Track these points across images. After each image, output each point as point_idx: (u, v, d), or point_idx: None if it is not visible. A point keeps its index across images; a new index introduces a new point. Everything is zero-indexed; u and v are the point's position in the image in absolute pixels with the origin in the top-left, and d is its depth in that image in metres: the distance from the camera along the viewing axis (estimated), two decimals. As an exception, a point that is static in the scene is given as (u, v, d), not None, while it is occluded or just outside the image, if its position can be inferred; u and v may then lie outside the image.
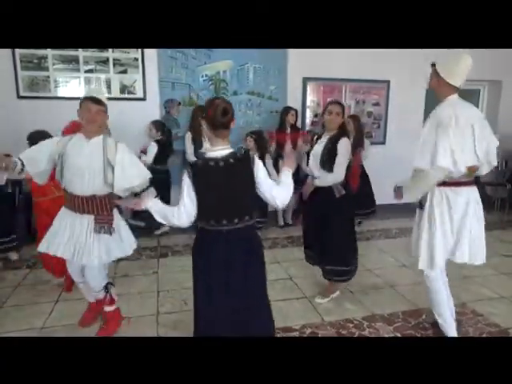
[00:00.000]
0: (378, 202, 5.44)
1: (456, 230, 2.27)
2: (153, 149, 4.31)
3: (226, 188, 1.77)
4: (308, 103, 5.32)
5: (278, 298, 3.06)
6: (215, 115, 1.74)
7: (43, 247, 2.36)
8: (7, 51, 4.17)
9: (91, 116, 2.27)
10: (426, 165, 2.16)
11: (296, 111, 4.76)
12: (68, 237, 2.31)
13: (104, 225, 2.31)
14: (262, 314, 2.00)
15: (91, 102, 2.30)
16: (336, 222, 2.82)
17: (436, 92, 2.35)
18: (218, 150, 1.80)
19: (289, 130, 4.68)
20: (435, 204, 2.29)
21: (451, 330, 2.41)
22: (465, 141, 2.17)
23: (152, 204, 1.89)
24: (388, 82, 5.47)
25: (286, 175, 1.94)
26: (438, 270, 2.34)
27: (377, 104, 5.57)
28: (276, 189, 1.86)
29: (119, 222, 2.44)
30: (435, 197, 2.30)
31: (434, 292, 2.41)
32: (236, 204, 1.81)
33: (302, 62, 5.01)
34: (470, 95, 6.06)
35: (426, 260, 2.33)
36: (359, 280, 3.39)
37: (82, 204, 2.28)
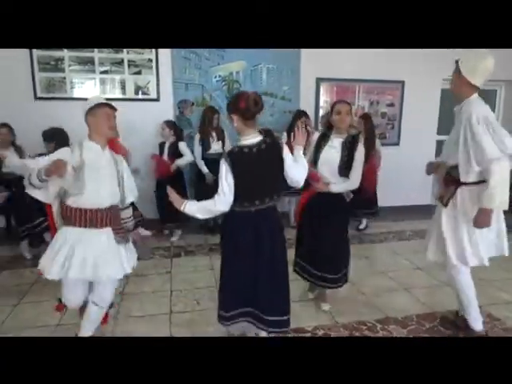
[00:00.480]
0: (391, 204, 5.41)
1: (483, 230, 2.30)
2: (185, 146, 4.33)
3: (260, 171, 2.01)
4: (321, 103, 5.30)
5: (291, 300, 3.05)
6: (248, 106, 1.95)
7: (54, 274, 2.06)
8: (25, 54, 4.25)
9: (111, 123, 2.13)
10: (498, 154, 2.13)
11: (308, 116, 4.71)
12: (82, 256, 2.05)
13: (122, 235, 2.21)
14: (283, 292, 2.21)
15: (109, 107, 2.13)
16: (337, 227, 2.74)
17: (455, 92, 2.37)
18: (250, 138, 2.03)
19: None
20: (467, 200, 2.31)
21: (479, 325, 2.50)
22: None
23: (188, 206, 2.05)
24: (402, 82, 5.42)
25: (298, 152, 2.14)
26: (475, 264, 2.38)
27: (391, 105, 5.52)
28: (296, 169, 2.09)
29: None
30: (465, 194, 2.32)
31: (466, 287, 2.45)
32: (268, 185, 2.07)
33: (315, 62, 4.99)
34: (486, 95, 5.97)
35: (458, 255, 2.37)
36: (373, 282, 3.37)
37: (101, 217, 2.10)
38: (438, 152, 5.77)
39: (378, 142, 4.75)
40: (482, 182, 2.23)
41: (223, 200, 2.00)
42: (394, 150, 5.49)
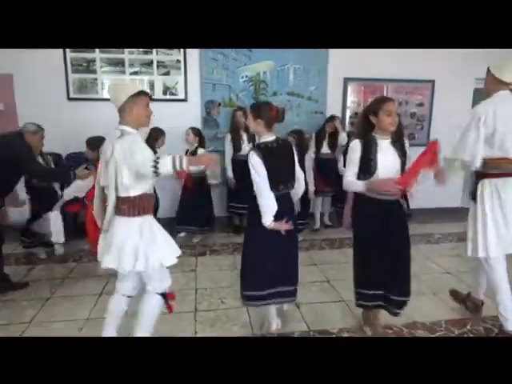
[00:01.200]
0: (419, 206, 5.28)
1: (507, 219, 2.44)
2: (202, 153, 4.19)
3: (282, 161, 2.36)
4: (348, 104, 5.23)
5: (314, 301, 3.04)
6: (277, 116, 2.36)
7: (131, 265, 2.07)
8: (59, 55, 4.40)
9: (149, 111, 2.15)
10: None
11: (339, 119, 4.65)
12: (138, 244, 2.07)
13: None
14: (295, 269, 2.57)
15: (147, 96, 2.14)
16: (407, 244, 2.56)
17: (485, 90, 2.51)
18: (269, 137, 2.37)
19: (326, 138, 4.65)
20: (486, 194, 2.48)
21: (510, 323, 2.50)
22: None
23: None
24: (433, 81, 5.29)
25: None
26: (499, 255, 2.47)
27: (420, 104, 5.39)
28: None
29: None
30: (486, 188, 2.48)
31: (494, 278, 2.50)
32: (289, 172, 2.42)
33: (343, 62, 4.93)
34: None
35: (482, 246, 2.48)
36: (399, 285, 3.30)
37: (147, 203, 2.12)
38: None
39: (406, 142, 4.64)
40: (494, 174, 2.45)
41: (262, 186, 2.27)
42: (424, 151, 5.36)
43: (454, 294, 3.06)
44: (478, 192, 2.51)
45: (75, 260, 3.84)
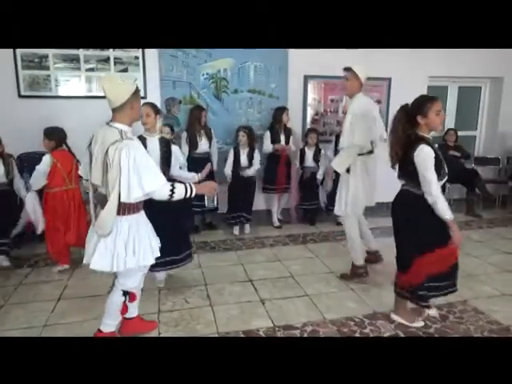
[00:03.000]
0: (378, 200, 5.45)
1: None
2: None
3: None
4: (309, 101, 5.30)
5: (279, 297, 3.06)
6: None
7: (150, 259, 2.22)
8: (8, 51, 4.17)
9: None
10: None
11: (288, 110, 4.76)
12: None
13: None
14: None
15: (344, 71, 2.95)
16: None
17: (351, 90, 3.29)
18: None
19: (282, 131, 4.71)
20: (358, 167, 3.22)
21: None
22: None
23: None
24: (389, 79, 5.46)
25: None
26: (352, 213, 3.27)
27: (378, 101, 5.55)
28: None
29: None
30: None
31: (348, 230, 3.34)
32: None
33: (303, 60, 4.99)
34: (471, 92, 6.05)
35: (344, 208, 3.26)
36: (361, 278, 3.40)
37: (141, 203, 2.23)
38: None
39: None
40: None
41: None
42: (381, 146, 5.52)
43: (345, 276, 3.39)
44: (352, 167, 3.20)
45: (30, 265, 3.66)
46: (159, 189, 2.03)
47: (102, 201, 2.08)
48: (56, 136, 3.41)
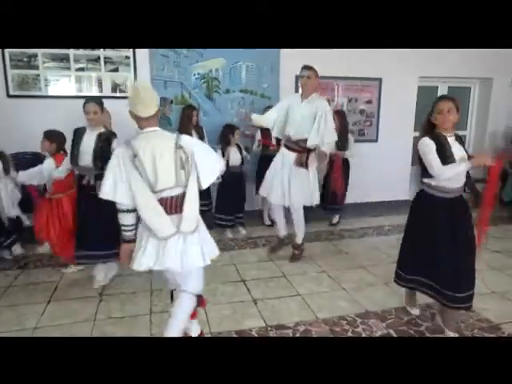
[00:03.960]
0: (370, 200, 5.51)
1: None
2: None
3: None
4: (301, 101, 5.31)
5: (271, 296, 3.07)
6: None
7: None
8: (-4, 49, 4.12)
9: None
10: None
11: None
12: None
13: None
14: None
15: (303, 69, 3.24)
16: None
17: (311, 89, 3.52)
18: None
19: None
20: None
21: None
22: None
23: None
24: (380, 79, 5.49)
25: None
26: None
27: (369, 102, 5.58)
28: None
29: None
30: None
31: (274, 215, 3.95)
32: None
33: (295, 60, 4.95)
34: (460, 92, 6.11)
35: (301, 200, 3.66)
36: (352, 277, 3.42)
37: None
38: (416, 148, 5.88)
39: (351, 138, 4.80)
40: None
41: None
42: (373, 147, 5.57)
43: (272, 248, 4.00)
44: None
45: (20, 267, 3.62)
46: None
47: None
48: (57, 139, 3.35)
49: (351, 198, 5.12)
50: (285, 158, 3.60)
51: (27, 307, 2.89)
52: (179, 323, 2.17)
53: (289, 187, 3.56)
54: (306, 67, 3.51)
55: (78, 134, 3.09)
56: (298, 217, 3.77)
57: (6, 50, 4.16)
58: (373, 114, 5.63)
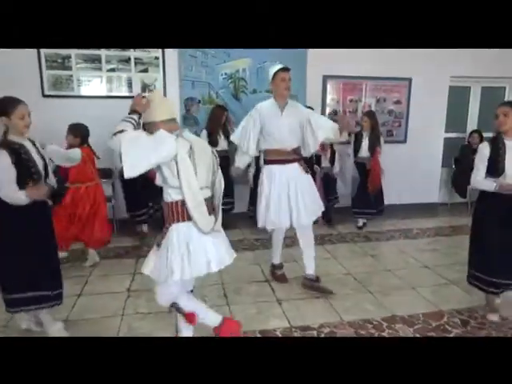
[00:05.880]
0: (397, 202, 5.39)
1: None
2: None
3: None
4: (328, 101, 5.27)
5: (296, 297, 3.05)
6: None
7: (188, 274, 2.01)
8: (33, 52, 4.27)
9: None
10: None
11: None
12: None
13: None
14: None
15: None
16: None
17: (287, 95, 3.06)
18: None
19: None
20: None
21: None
22: None
23: None
24: (410, 79, 5.38)
25: None
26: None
27: (398, 102, 5.48)
28: None
29: None
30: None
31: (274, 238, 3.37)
32: None
33: (322, 59, 4.96)
34: (494, 93, 5.91)
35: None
36: (379, 280, 3.36)
37: None
38: (446, 150, 5.74)
39: (381, 139, 4.76)
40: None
41: None
42: (401, 148, 5.46)
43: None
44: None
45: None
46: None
47: None
48: (81, 132, 3.49)
49: (378, 199, 5.04)
50: (280, 173, 2.99)
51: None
52: None
53: (296, 204, 2.99)
54: (287, 69, 3.00)
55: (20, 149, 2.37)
56: (310, 237, 3.18)
57: (42, 52, 4.31)
58: (402, 114, 5.53)
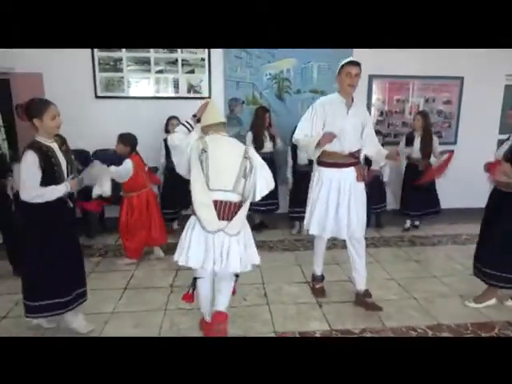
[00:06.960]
0: (446, 206, 5.16)
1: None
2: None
3: None
4: (373, 101, 5.16)
5: (336, 300, 3.01)
6: None
7: (183, 260, 2.23)
8: (87, 54, 4.50)
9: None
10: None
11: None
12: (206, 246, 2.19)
13: None
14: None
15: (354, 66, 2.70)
16: None
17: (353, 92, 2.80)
18: None
19: None
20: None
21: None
22: None
23: None
24: (461, 78, 5.14)
25: None
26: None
27: (448, 102, 5.26)
28: None
29: None
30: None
31: (315, 248, 3.12)
32: None
33: (367, 58, 4.79)
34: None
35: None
36: (424, 287, 3.25)
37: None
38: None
39: (435, 139, 4.58)
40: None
41: None
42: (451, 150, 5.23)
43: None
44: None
45: (101, 255, 3.93)
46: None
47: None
48: (130, 142, 3.60)
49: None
50: (333, 178, 2.75)
51: (106, 292, 3.12)
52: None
53: (348, 215, 2.75)
54: (357, 63, 2.76)
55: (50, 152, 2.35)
56: (362, 249, 2.90)
57: (96, 55, 4.53)
58: (452, 114, 5.30)
